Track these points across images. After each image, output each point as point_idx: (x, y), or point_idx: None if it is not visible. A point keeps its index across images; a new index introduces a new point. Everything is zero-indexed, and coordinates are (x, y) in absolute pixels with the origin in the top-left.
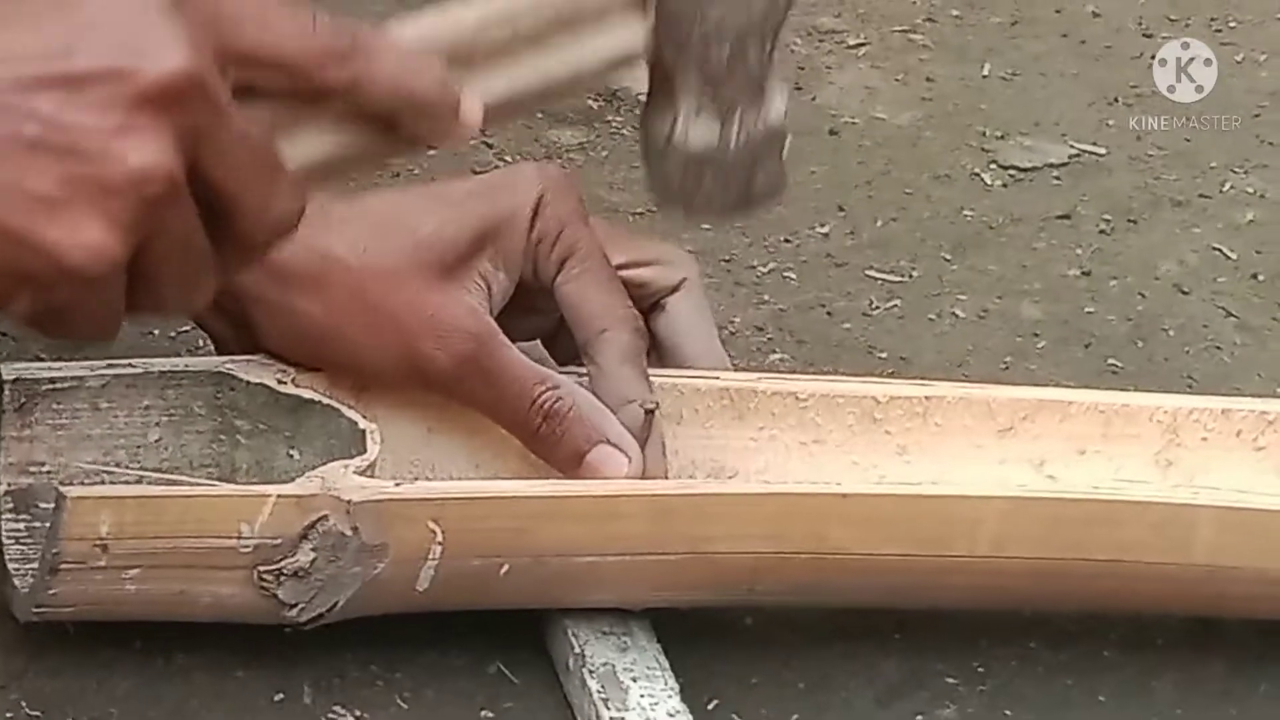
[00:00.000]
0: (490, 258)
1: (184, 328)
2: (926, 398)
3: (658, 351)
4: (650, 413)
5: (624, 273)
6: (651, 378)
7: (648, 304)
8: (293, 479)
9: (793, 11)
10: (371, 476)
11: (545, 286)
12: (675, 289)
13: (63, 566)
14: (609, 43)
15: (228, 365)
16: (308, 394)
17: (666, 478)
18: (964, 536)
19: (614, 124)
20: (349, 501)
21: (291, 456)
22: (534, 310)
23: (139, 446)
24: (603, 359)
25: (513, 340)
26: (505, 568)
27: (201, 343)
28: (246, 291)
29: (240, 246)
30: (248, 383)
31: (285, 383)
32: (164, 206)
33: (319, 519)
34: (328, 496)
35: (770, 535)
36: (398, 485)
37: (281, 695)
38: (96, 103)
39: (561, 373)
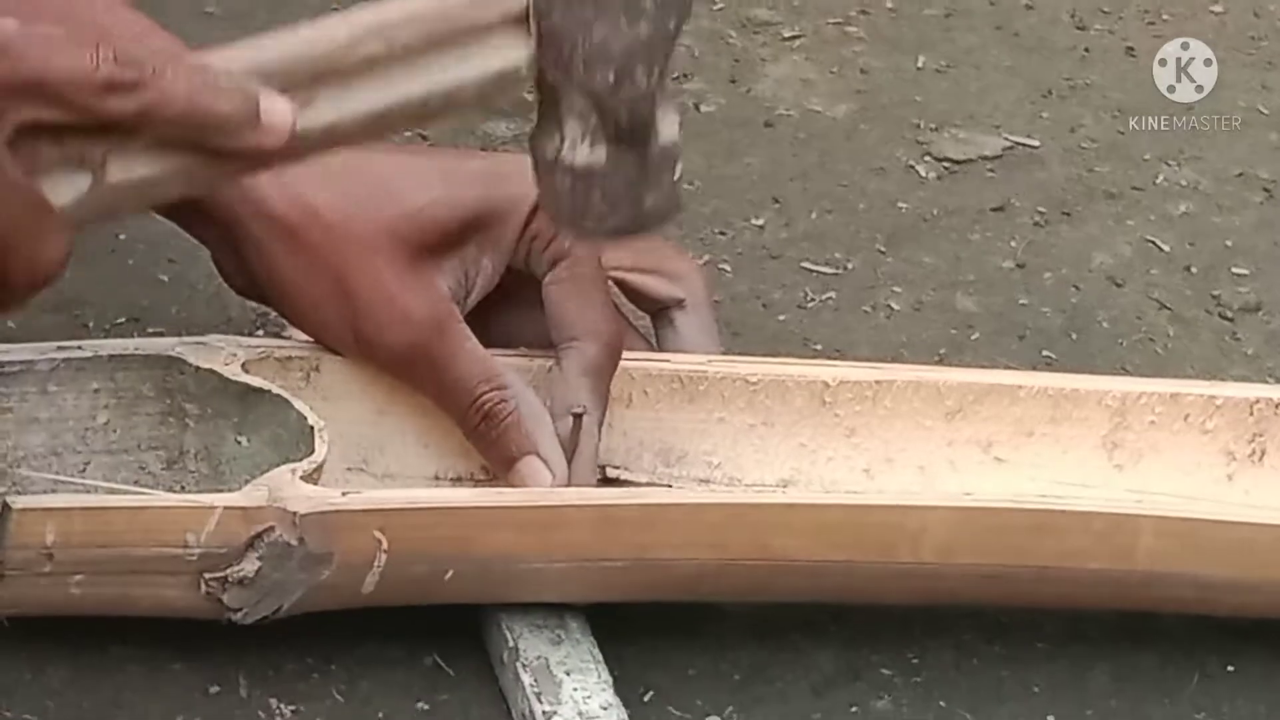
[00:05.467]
0: (478, 244)
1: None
2: (876, 381)
3: None
4: (578, 417)
5: (625, 275)
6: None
7: (649, 311)
8: (239, 478)
9: (727, 3)
10: (318, 479)
11: (537, 279)
12: (680, 303)
13: (7, 573)
14: (491, 61)
15: (178, 349)
16: (256, 382)
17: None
18: (908, 544)
19: None
20: (295, 514)
21: (239, 443)
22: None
23: (87, 429)
24: (565, 365)
25: (524, 336)
26: (450, 573)
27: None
28: (239, 221)
29: (5, 289)
30: (197, 368)
31: (234, 368)
32: None
33: (265, 530)
34: (274, 509)
35: (714, 544)
36: (344, 495)
37: (217, 688)
38: None
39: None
